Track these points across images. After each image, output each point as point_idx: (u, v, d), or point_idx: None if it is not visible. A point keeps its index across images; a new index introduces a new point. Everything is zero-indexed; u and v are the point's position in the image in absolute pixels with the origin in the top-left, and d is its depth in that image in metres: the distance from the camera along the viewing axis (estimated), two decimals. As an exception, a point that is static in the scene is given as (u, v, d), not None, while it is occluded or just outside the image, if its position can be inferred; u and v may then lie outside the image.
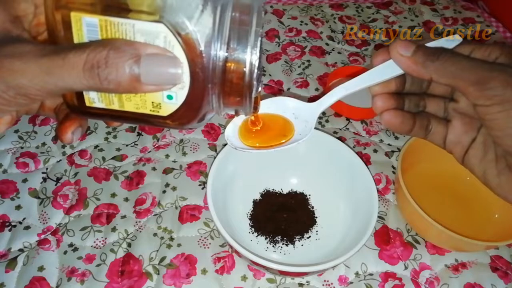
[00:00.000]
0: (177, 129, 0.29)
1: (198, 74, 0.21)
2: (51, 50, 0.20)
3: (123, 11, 0.20)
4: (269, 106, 0.32)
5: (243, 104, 0.23)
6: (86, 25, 0.20)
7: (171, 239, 0.43)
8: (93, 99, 0.23)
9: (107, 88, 0.21)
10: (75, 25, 0.20)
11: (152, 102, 0.23)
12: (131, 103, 0.23)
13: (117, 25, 0.20)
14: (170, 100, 0.23)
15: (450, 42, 0.28)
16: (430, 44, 0.27)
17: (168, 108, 0.23)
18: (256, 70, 0.21)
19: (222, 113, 0.24)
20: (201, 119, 0.24)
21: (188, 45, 0.20)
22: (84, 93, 0.23)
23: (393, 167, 0.51)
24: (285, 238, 0.43)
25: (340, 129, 0.55)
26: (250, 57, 0.21)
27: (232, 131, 0.32)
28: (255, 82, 0.22)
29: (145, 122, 0.25)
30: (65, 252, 0.41)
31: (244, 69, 0.21)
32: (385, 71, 0.28)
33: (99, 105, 0.23)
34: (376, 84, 0.29)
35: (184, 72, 0.21)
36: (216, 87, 0.22)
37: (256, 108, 0.25)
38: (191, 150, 0.50)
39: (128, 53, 0.20)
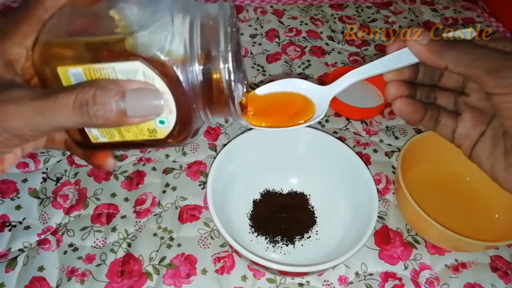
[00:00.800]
0: (179, 146, 0.31)
1: (181, 98, 0.23)
2: (42, 93, 0.22)
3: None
4: (283, 86, 0.32)
5: (229, 112, 0.24)
6: (72, 75, 0.22)
7: (171, 239, 0.43)
8: (97, 135, 0.25)
9: (96, 124, 0.22)
10: (62, 76, 0.23)
11: (148, 129, 0.25)
12: (130, 133, 0.25)
13: (100, 70, 0.22)
14: (163, 124, 0.25)
15: (466, 34, 0.28)
16: (448, 35, 0.27)
17: (163, 131, 0.25)
18: (232, 79, 0.22)
19: (214, 123, 0.26)
20: (195, 133, 0.26)
21: (166, 75, 0.22)
22: (86, 130, 0.25)
23: (393, 167, 0.51)
24: (285, 238, 0.43)
25: (340, 129, 0.55)
26: (224, 70, 0.22)
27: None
28: (237, 89, 0.23)
29: (148, 146, 0.27)
30: (65, 252, 0.41)
31: (222, 82, 0.22)
32: (399, 58, 0.29)
33: (102, 140, 0.26)
34: (390, 71, 0.29)
35: (168, 99, 0.23)
36: (200, 105, 0.23)
37: (244, 110, 0.26)
38: (191, 150, 0.50)
39: (113, 90, 0.22)
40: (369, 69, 0.30)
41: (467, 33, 0.28)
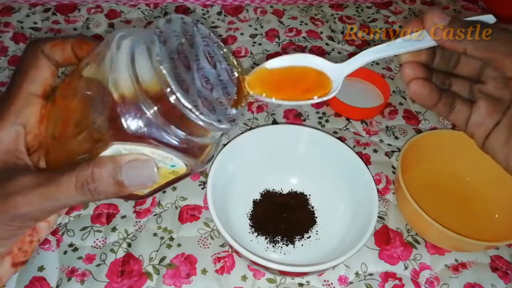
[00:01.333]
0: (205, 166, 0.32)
1: (171, 146, 0.24)
2: (46, 178, 0.24)
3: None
4: (296, 60, 0.31)
5: (210, 123, 0.23)
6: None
7: (171, 239, 0.43)
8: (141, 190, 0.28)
9: (98, 198, 0.25)
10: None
11: (169, 173, 0.27)
12: (160, 180, 0.27)
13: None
14: (174, 167, 0.26)
15: (484, 19, 0.27)
16: (467, 19, 0.27)
17: (181, 169, 0.27)
18: (183, 100, 0.22)
19: (220, 133, 0.26)
20: (209, 154, 0.27)
21: (143, 141, 0.23)
22: None
23: (393, 167, 0.51)
24: (285, 238, 0.43)
25: (340, 129, 0.55)
26: (182, 104, 0.22)
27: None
28: (216, 94, 0.23)
29: (182, 179, 0.29)
30: (65, 252, 0.41)
31: (179, 108, 0.22)
32: (416, 40, 0.28)
33: (146, 191, 0.29)
34: (406, 52, 0.28)
35: (160, 154, 0.25)
36: (187, 142, 0.24)
37: (234, 121, 0.25)
38: (191, 150, 0.50)
39: (108, 166, 0.24)
40: (384, 49, 0.29)
41: (487, 19, 0.27)
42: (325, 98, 0.30)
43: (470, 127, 0.29)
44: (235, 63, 0.27)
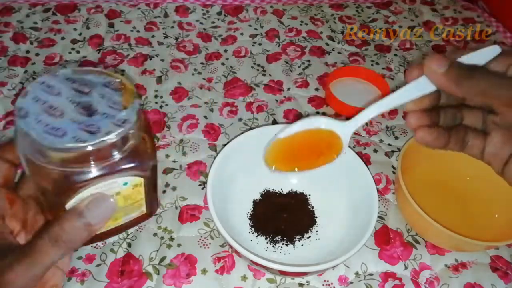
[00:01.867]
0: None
1: (103, 175, 0.28)
2: (28, 248, 0.27)
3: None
4: (305, 125, 0.34)
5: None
6: None
7: (171, 239, 0.43)
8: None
9: (74, 246, 0.28)
10: None
11: (132, 194, 0.32)
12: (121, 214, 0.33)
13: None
14: (127, 184, 0.31)
15: (489, 52, 0.27)
16: (469, 56, 0.27)
17: (139, 190, 0.33)
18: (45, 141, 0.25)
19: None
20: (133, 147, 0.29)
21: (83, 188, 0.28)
22: None
23: (393, 167, 0.51)
24: (285, 238, 0.43)
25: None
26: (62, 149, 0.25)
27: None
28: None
29: (140, 221, 0.37)
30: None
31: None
32: (418, 87, 0.28)
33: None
34: (410, 101, 0.29)
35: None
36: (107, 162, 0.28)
37: (126, 121, 0.28)
38: (191, 150, 0.50)
39: (72, 215, 0.28)
40: (389, 102, 0.31)
41: (493, 51, 0.27)
42: (338, 156, 0.34)
43: (486, 157, 0.30)
44: (113, 73, 0.30)
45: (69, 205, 0.29)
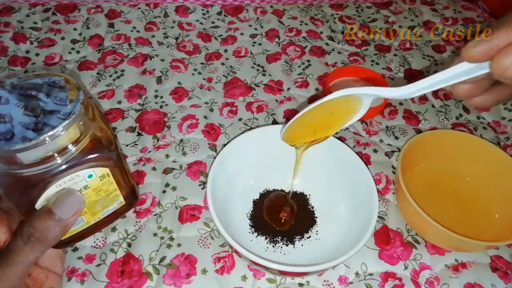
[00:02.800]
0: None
1: (62, 171, 0.29)
2: (4, 251, 0.29)
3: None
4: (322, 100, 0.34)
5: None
6: None
7: (171, 239, 0.43)
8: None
9: (49, 243, 0.29)
10: None
11: (101, 186, 0.32)
12: (99, 207, 0.34)
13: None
14: (92, 177, 0.31)
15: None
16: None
17: (109, 180, 0.33)
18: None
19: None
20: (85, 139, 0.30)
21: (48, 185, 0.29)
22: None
23: (393, 167, 0.51)
24: (285, 238, 0.43)
25: (340, 129, 0.55)
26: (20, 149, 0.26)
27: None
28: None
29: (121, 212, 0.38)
30: (65, 252, 0.41)
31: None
32: (478, 68, 0.27)
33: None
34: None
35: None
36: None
37: (71, 113, 0.28)
38: (191, 150, 0.50)
39: (42, 212, 0.29)
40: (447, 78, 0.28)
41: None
42: (356, 118, 0.34)
43: None
44: (57, 72, 0.31)
45: (38, 205, 0.30)
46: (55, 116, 0.27)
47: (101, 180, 0.32)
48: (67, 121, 0.27)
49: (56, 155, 0.28)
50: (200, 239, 0.43)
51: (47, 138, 0.26)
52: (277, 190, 0.47)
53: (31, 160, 0.27)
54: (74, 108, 0.28)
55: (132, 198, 0.38)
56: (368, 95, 0.32)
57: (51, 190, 0.29)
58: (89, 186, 0.31)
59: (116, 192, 0.34)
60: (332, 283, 0.41)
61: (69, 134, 0.27)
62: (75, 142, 0.28)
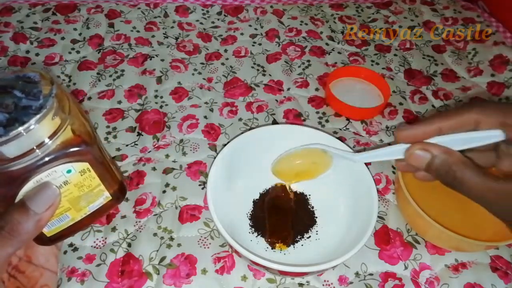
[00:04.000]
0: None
1: (39, 165, 0.29)
2: None
3: None
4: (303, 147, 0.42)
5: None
6: None
7: (171, 239, 0.43)
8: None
9: (23, 237, 0.28)
10: None
11: (81, 181, 0.32)
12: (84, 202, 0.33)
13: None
14: (71, 172, 0.31)
15: (489, 135, 0.29)
16: (465, 135, 0.29)
17: (91, 175, 0.32)
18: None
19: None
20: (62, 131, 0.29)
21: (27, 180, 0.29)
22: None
23: (393, 167, 0.51)
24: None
25: (340, 129, 0.55)
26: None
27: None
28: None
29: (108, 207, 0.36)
30: (65, 252, 0.41)
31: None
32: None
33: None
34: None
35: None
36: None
37: (43, 107, 0.28)
38: (191, 150, 0.50)
39: (14, 206, 0.28)
40: (379, 155, 0.35)
41: (495, 136, 0.29)
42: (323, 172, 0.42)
43: None
44: (31, 68, 0.31)
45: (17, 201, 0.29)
46: (28, 111, 0.27)
47: (81, 175, 0.31)
48: (38, 116, 0.27)
49: (31, 150, 0.27)
50: (200, 239, 0.43)
51: (22, 132, 0.26)
52: (277, 190, 0.47)
53: (5, 157, 0.27)
54: (46, 102, 0.27)
55: (119, 192, 0.37)
56: (334, 154, 0.41)
57: (29, 186, 0.29)
58: (70, 182, 0.31)
59: (100, 187, 0.34)
60: (332, 283, 0.41)
61: (43, 129, 0.27)
62: (51, 137, 0.28)
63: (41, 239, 0.33)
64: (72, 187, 0.31)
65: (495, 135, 0.28)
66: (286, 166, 0.43)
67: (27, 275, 0.33)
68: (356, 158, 0.38)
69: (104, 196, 0.35)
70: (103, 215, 0.40)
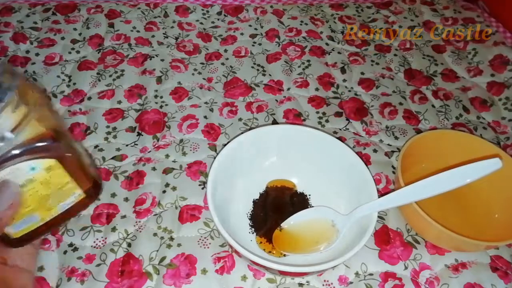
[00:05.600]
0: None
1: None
2: None
3: None
4: (313, 213, 0.43)
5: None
6: None
7: (171, 239, 0.43)
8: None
9: None
10: None
11: (47, 179, 0.30)
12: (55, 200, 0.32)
13: None
14: (35, 170, 0.30)
15: (490, 164, 0.30)
16: (468, 167, 0.30)
17: (60, 173, 0.31)
18: None
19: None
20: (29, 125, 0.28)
21: None
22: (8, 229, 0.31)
23: (393, 167, 0.51)
24: (285, 238, 0.43)
25: (340, 129, 0.55)
26: None
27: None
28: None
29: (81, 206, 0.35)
30: (65, 252, 0.41)
31: None
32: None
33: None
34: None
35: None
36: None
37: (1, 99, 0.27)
38: (191, 150, 0.50)
39: None
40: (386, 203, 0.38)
41: (494, 164, 0.30)
42: (329, 248, 0.40)
43: None
44: None
45: None
46: None
47: (47, 172, 0.30)
48: (4, 99, 0.26)
49: None
50: (200, 239, 0.43)
51: None
52: (277, 190, 0.47)
53: None
54: (4, 95, 0.26)
55: (93, 190, 0.35)
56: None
57: None
58: (35, 179, 0.29)
59: (70, 185, 0.32)
60: (332, 283, 0.41)
61: (2, 121, 0.26)
62: (13, 131, 0.27)
63: (8, 241, 0.32)
64: (38, 185, 0.30)
65: (495, 163, 0.29)
66: (288, 236, 0.41)
67: (3, 277, 0.32)
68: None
69: (75, 194, 0.33)
70: (76, 213, 0.38)
